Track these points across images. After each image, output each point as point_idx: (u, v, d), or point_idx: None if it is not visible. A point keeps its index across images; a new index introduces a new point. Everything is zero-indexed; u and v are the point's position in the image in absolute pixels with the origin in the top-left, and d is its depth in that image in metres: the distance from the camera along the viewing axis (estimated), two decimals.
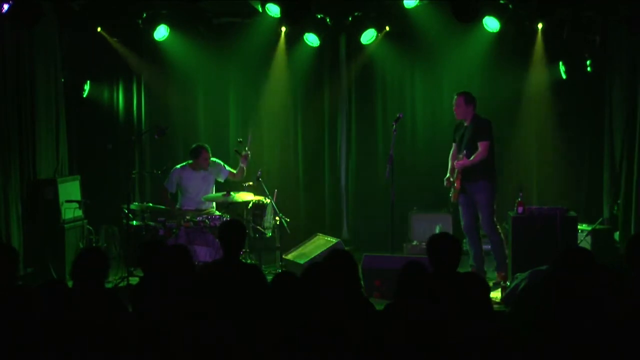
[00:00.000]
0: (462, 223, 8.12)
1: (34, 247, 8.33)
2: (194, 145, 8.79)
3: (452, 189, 8.10)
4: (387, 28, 9.61)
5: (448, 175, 8.13)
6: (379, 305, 4.77)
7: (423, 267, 4.62)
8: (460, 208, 8.12)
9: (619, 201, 8.77)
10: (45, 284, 4.56)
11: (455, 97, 8.03)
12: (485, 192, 7.86)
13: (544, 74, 9.68)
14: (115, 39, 9.63)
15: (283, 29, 9.71)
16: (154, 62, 9.97)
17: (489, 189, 7.88)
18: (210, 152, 8.71)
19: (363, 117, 10.24)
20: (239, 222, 5.83)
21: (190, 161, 8.73)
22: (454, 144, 8.21)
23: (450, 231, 8.96)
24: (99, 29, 9.43)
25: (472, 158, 7.79)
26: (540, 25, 9.33)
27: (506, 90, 9.66)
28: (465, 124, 8.00)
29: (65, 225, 8.40)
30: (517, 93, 9.73)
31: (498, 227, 8.06)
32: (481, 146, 7.82)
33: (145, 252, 5.28)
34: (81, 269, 4.62)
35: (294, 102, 10.28)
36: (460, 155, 7.83)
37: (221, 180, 8.81)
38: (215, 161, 8.82)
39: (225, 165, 8.86)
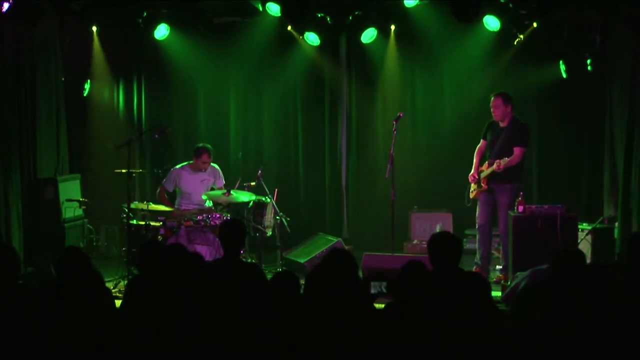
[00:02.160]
0: (478, 221, 8.13)
1: (34, 246, 8.32)
2: (198, 145, 8.76)
3: (474, 186, 8.10)
4: (393, 27, 9.62)
5: (473, 171, 8.13)
6: (379, 305, 4.77)
7: (424, 267, 4.62)
8: (478, 205, 8.13)
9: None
10: (43, 284, 4.58)
11: (493, 97, 8.02)
12: (510, 194, 7.88)
13: (544, 73, 9.68)
14: (115, 38, 9.64)
15: (283, 28, 9.71)
16: (155, 61, 9.98)
17: (514, 192, 7.88)
18: (211, 155, 8.67)
19: (363, 117, 10.23)
20: (240, 222, 5.84)
21: (190, 161, 8.72)
22: (482, 140, 8.20)
23: (451, 230, 8.98)
24: (94, 29, 9.41)
25: (507, 161, 7.74)
26: (540, 25, 9.32)
27: (506, 89, 9.59)
28: (502, 125, 7.98)
29: (66, 225, 8.40)
30: (517, 92, 9.68)
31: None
32: (517, 151, 7.83)
33: (141, 253, 5.29)
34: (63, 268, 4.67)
35: (294, 101, 10.29)
36: (502, 160, 7.73)
37: (215, 187, 8.78)
38: (216, 168, 8.80)
39: (223, 178, 8.82)
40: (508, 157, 7.77)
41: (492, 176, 7.91)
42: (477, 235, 8.16)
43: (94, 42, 9.55)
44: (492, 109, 8.04)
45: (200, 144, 8.76)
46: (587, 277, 4.37)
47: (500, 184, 7.92)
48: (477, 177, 8.09)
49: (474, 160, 8.22)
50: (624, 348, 4.09)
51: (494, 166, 7.77)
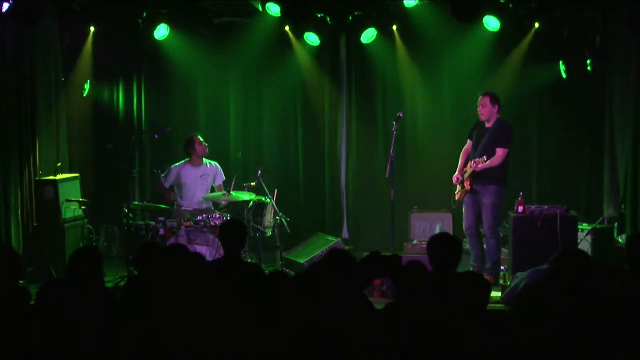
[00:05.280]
0: (464, 223, 8.09)
1: (34, 247, 8.32)
2: (185, 140, 8.76)
3: (459, 187, 8.07)
4: (395, 27, 9.62)
5: (457, 172, 8.09)
6: (379, 305, 4.77)
7: (423, 267, 4.62)
8: (464, 207, 8.09)
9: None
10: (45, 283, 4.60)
11: (480, 96, 7.96)
12: (493, 195, 7.83)
13: (544, 73, 9.68)
14: (115, 39, 9.64)
15: (284, 28, 9.71)
16: (155, 61, 9.98)
17: (498, 193, 7.85)
18: (202, 140, 8.65)
19: (363, 117, 10.23)
20: (240, 222, 5.85)
21: (187, 158, 8.72)
22: (468, 140, 8.16)
23: (451, 230, 8.97)
24: (92, 29, 9.40)
25: (488, 162, 7.69)
26: (540, 25, 9.33)
27: (506, 89, 9.63)
28: (487, 125, 7.96)
29: (66, 225, 8.40)
30: (517, 92, 9.71)
31: (499, 231, 8.04)
32: (499, 152, 7.76)
33: (140, 253, 5.30)
34: (75, 266, 4.69)
35: (294, 101, 10.28)
36: (481, 159, 7.67)
37: (214, 185, 8.78)
38: (214, 164, 8.80)
39: (223, 175, 8.83)
40: (489, 158, 7.70)
41: (475, 177, 7.84)
42: (467, 238, 8.07)
43: (87, 43, 9.52)
44: (478, 108, 7.96)
45: (186, 138, 8.75)
46: (588, 277, 4.37)
47: (483, 185, 7.84)
48: (460, 178, 8.04)
49: (459, 161, 8.15)
50: (625, 348, 4.09)
51: (474, 166, 7.71)
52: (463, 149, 8.20)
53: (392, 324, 4.31)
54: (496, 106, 7.92)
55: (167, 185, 8.70)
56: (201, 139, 8.65)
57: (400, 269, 4.71)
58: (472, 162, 7.78)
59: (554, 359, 4.09)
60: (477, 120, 8.09)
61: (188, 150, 8.67)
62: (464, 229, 8.14)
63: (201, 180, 8.66)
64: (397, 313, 4.41)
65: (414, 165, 9.96)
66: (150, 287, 4.74)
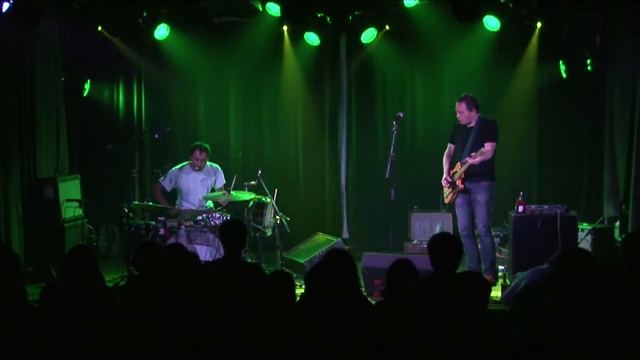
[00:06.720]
0: (460, 224, 8.03)
1: (34, 246, 8.32)
2: (191, 146, 8.75)
3: (447, 190, 8.03)
4: (387, 27, 9.62)
5: (445, 175, 8.07)
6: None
7: (411, 266, 4.61)
8: (457, 209, 8.03)
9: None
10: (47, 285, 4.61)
11: (457, 102, 7.93)
12: (486, 192, 7.81)
13: (544, 73, 9.68)
14: (115, 38, 9.64)
15: (283, 28, 9.72)
16: (155, 61, 9.98)
17: (490, 189, 7.83)
18: (207, 152, 8.63)
19: (363, 117, 10.23)
20: (240, 222, 5.85)
21: (189, 161, 8.71)
22: (449, 145, 8.15)
23: (451, 230, 8.97)
24: (99, 28, 9.43)
25: (482, 153, 7.63)
26: (540, 24, 9.33)
27: (506, 89, 9.66)
28: (470, 126, 7.92)
29: (66, 225, 8.40)
30: (517, 92, 9.72)
31: (491, 229, 8.02)
32: (488, 146, 7.72)
33: (140, 253, 5.31)
34: (70, 266, 4.70)
35: (294, 101, 10.28)
36: (478, 152, 7.57)
37: (215, 187, 8.78)
38: (216, 168, 8.80)
39: (223, 178, 8.82)
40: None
41: (467, 175, 7.81)
42: (463, 240, 7.90)
43: (108, 40, 9.54)
44: (457, 114, 7.92)
45: (195, 142, 8.75)
46: (589, 277, 4.37)
47: (476, 182, 7.81)
48: (450, 180, 8.01)
49: (444, 165, 8.09)
50: (624, 348, 4.09)
51: (469, 159, 7.62)
52: (445, 154, 8.13)
53: (382, 323, 4.31)
54: (473, 110, 7.87)
55: (168, 188, 8.69)
56: (199, 155, 8.52)
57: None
58: (470, 155, 7.70)
59: (554, 359, 4.09)
60: (457, 123, 8.06)
61: (189, 156, 8.68)
62: (459, 230, 8.08)
63: (202, 184, 8.66)
64: (385, 313, 4.42)
65: (414, 165, 9.95)
66: (150, 287, 4.74)
